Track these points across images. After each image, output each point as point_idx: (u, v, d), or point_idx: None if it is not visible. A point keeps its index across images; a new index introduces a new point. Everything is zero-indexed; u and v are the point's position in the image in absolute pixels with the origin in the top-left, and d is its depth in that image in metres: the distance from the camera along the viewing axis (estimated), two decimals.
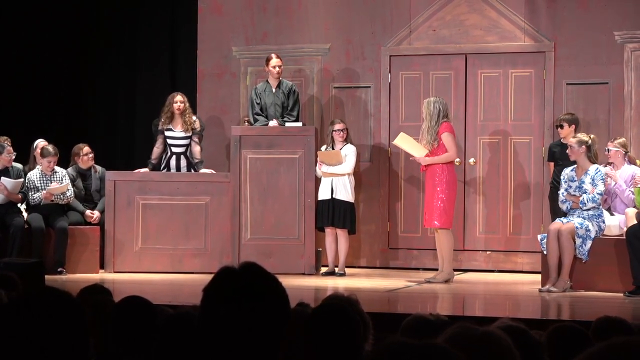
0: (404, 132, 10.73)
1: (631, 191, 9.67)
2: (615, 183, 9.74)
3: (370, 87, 11.98)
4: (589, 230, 9.53)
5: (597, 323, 4.14)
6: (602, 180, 9.60)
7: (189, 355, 3.04)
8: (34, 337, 2.30)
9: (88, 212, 11.25)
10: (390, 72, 11.90)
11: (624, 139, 10.17)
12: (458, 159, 10.75)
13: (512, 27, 11.59)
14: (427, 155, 10.21)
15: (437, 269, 10.49)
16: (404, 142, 10.40)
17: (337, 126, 11.00)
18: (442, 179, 10.19)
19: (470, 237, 11.63)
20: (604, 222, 9.63)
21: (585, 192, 9.60)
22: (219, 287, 2.33)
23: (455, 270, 10.58)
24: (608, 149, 9.94)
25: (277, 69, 11.32)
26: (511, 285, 10.36)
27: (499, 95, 11.62)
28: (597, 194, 9.56)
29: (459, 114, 11.59)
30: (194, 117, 11.48)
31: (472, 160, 11.59)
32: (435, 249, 10.53)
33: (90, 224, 11.23)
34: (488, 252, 11.60)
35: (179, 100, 11.34)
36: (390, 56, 11.91)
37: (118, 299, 4.00)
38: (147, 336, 3.53)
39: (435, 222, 10.17)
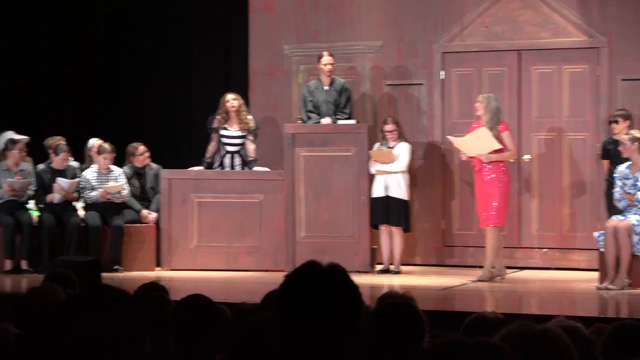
0: (456, 130, 10.66)
1: None
2: None
3: (422, 84, 11.92)
4: None
5: None
6: None
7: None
8: (91, 334, 2.32)
9: (145, 211, 11.35)
10: (442, 69, 11.84)
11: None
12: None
13: (565, 22, 11.48)
14: (490, 153, 10.10)
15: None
16: (478, 137, 10.17)
17: (387, 127, 10.95)
18: (498, 177, 10.10)
19: (525, 234, 11.54)
20: None
21: None
22: (302, 275, 2.34)
23: (510, 267, 10.49)
24: None
25: (329, 66, 11.32)
26: (568, 283, 10.26)
27: (552, 91, 11.52)
28: None
29: (512, 111, 11.49)
30: (249, 116, 11.53)
31: (527, 157, 11.47)
32: None
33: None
34: (544, 250, 11.50)
35: (231, 98, 11.40)
36: (443, 53, 11.85)
37: (174, 297, 4.03)
38: (209, 335, 3.55)
39: (494, 221, 10.06)
